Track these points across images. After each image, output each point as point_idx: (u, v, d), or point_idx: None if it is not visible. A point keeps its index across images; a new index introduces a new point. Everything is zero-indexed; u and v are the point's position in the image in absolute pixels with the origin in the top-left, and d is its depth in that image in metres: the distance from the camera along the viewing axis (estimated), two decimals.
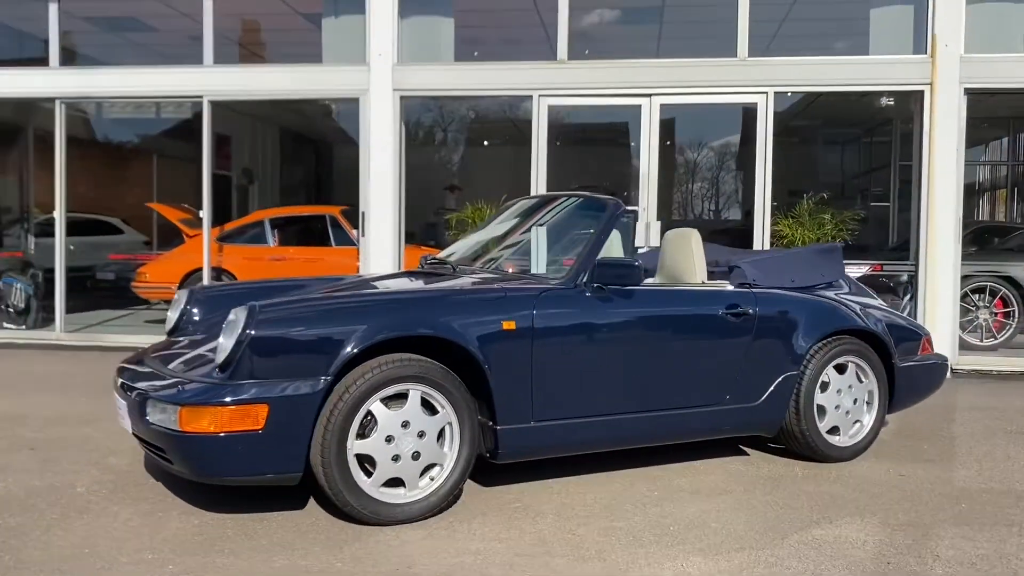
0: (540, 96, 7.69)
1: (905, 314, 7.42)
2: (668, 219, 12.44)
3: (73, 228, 12.23)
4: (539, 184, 7.79)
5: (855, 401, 4.46)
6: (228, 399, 3.10)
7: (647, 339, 3.94)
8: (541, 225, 4.36)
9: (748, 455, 4.56)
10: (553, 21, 7.65)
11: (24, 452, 4.36)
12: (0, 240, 9.14)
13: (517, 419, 3.60)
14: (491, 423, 3.57)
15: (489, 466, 3.81)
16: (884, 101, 9.02)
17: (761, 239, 7.52)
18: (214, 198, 14.48)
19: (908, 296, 7.52)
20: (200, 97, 7.98)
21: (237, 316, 3.22)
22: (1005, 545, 3.27)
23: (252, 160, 15.97)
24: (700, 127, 12.86)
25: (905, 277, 7.59)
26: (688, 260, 4.51)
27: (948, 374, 5.15)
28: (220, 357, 3.20)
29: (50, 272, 8.61)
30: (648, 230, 7.62)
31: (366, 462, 3.32)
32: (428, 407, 3.42)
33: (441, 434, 3.45)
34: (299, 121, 16.62)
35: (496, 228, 4.71)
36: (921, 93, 7.27)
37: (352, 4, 7.88)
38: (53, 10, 8.13)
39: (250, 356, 3.15)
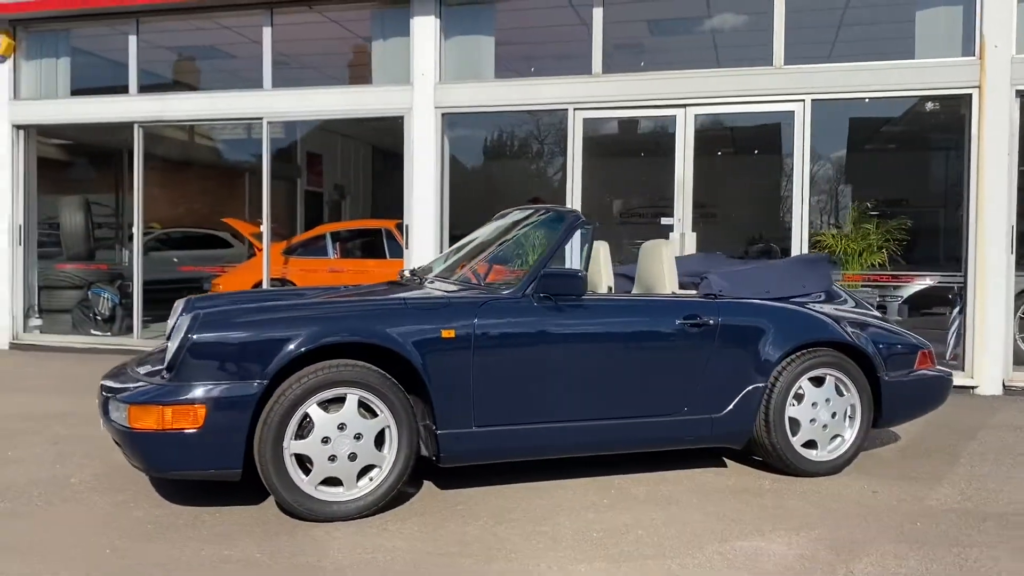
0: (575, 110, 7.79)
1: (954, 328, 7.13)
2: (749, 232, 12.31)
3: (185, 242, 13.13)
4: (574, 196, 7.88)
5: (834, 415, 4.37)
6: (169, 399, 3.38)
7: (596, 348, 4.00)
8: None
9: (726, 467, 4.53)
10: (588, 36, 7.75)
11: (47, 446, 4.82)
12: (92, 253, 9.93)
13: (458, 424, 3.75)
14: (434, 427, 3.73)
15: (454, 469, 3.99)
16: (929, 106, 8.63)
17: (800, 250, 7.35)
18: (306, 213, 15.27)
19: (958, 309, 7.19)
20: (260, 118, 8.48)
21: (181, 322, 3.50)
22: (934, 564, 3.18)
23: (344, 176, 16.65)
24: (754, 135, 12.64)
25: (956, 290, 7.25)
26: (659, 271, 4.54)
27: (953, 389, 4.93)
28: (166, 359, 3.50)
29: (148, 284, 9.16)
30: (683, 240, 7.59)
31: (307, 462, 3.53)
32: (371, 411, 3.61)
33: (381, 437, 3.63)
34: (391, 139, 17.17)
35: (475, 239, 4.85)
36: (969, 97, 6.96)
37: (398, 26, 8.20)
38: (132, 41, 8.83)
39: (190, 359, 3.43)
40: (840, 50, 7.70)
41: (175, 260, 12.31)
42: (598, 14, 7.72)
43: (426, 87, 8.01)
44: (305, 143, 15.14)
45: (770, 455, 4.33)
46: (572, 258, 4.68)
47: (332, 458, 3.53)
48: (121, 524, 3.52)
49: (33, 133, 9.41)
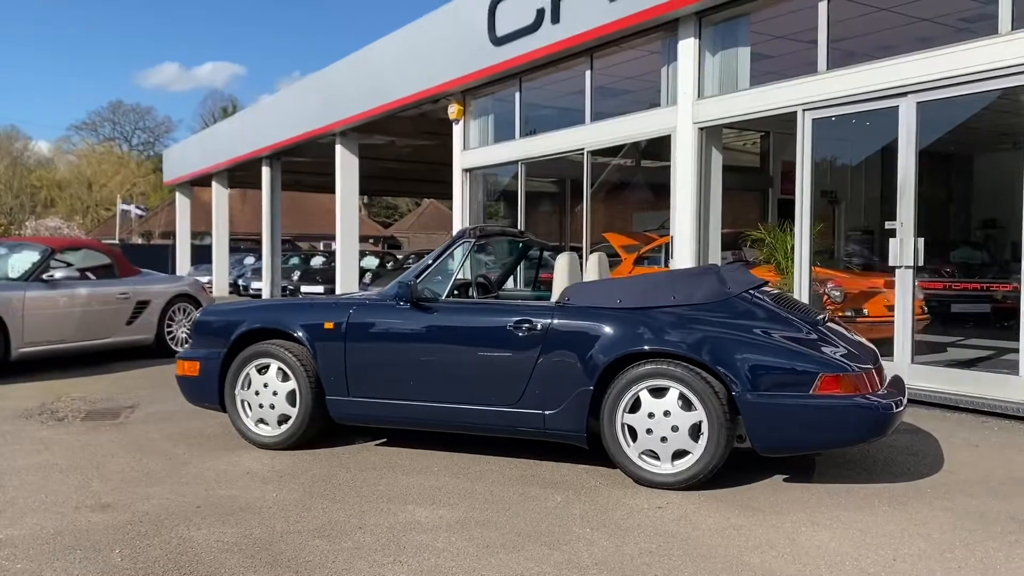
0: (804, 111, 7.46)
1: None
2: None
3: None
4: (804, 200, 7.54)
5: (675, 428, 4.28)
6: (187, 356, 5.51)
7: (440, 343, 4.82)
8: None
9: (599, 468, 4.70)
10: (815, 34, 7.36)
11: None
12: None
13: (338, 393, 5.05)
14: (324, 393, 5.11)
15: (416, 434, 5.29)
16: None
17: None
18: (779, 221, 15.63)
19: None
20: (581, 149, 9.96)
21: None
22: (473, 548, 3.46)
23: (839, 182, 16.38)
24: None
25: None
26: (554, 280, 4.96)
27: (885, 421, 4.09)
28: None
29: None
30: (901, 247, 6.69)
31: (248, 404, 5.27)
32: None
33: (294, 395, 5.16)
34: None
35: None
36: None
37: (675, 52, 8.82)
38: (516, 97, 11.15)
39: (195, 332, 5.50)
40: None
41: None
42: (823, 8, 7.28)
43: (686, 105, 8.53)
44: (780, 153, 15.49)
45: (612, 459, 4.47)
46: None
47: (260, 405, 5.22)
48: (125, 439, 5.65)
49: (478, 175, 12.45)
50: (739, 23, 8.30)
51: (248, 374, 5.26)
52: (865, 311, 8.27)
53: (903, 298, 6.74)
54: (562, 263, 4.98)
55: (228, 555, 3.41)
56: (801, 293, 7.54)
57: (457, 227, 12.37)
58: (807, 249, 7.55)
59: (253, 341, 5.30)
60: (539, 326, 4.58)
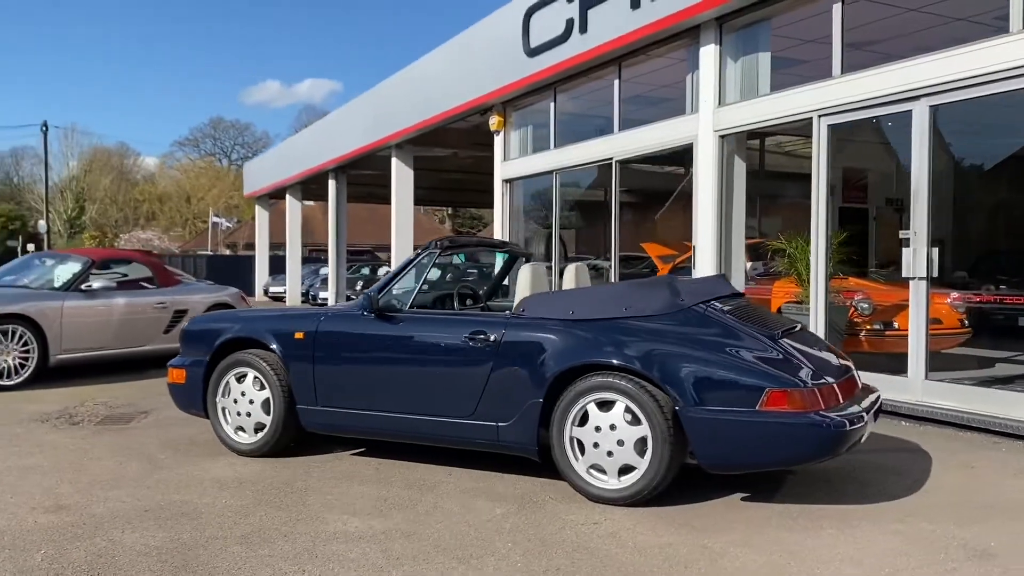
0: (820, 116, 7.20)
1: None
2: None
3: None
4: (819, 209, 7.27)
5: (620, 443, 4.19)
6: (176, 364, 5.68)
7: (401, 355, 4.84)
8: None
9: (553, 482, 4.63)
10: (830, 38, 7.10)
11: None
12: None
13: (308, 402, 5.12)
14: (295, 402, 5.19)
15: (396, 446, 5.28)
16: None
17: None
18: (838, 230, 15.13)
19: None
20: (611, 159, 9.85)
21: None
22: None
23: (904, 189, 15.73)
24: None
25: None
26: (516, 291, 4.92)
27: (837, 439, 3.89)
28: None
29: None
30: (914, 257, 6.38)
31: (228, 412, 5.39)
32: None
33: (269, 404, 5.26)
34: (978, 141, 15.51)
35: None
36: None
37: (698, 60, 8.65)
38: (551, 108, 11.12)
39: (184, 341, 5.66)
40: None
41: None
42: (837, 11, 7.03)
43: (707, 113, 8.35)
44: (842, 159, 14.97)
45: (560, 474, 4.40)
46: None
47: (238, 413, 5.33)
48: (116, 441, 5.84)
49: (517, 185, 12.46)
50: (760, 28, 8.07)
51: (228, 382, 5.39)
52: (895, 324, 7.89)
53: (917, 311, 6.41)
54: (524, 274, 4.94)
55: (144, 559, 3.50)
56: (817, 305, 7.27)
57: (497, 237, 12.40)
58: (823, 260, 7.27)
59: (235, 350, 5.43)
60: (492, 337, 4.56)
